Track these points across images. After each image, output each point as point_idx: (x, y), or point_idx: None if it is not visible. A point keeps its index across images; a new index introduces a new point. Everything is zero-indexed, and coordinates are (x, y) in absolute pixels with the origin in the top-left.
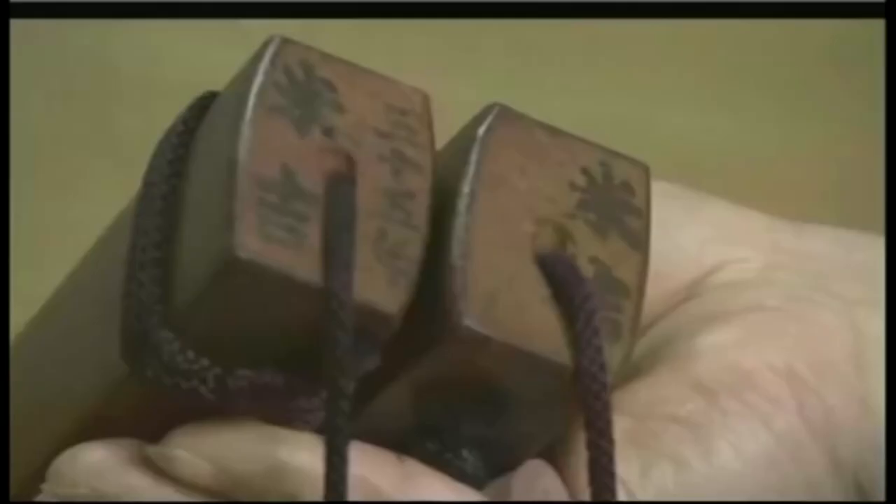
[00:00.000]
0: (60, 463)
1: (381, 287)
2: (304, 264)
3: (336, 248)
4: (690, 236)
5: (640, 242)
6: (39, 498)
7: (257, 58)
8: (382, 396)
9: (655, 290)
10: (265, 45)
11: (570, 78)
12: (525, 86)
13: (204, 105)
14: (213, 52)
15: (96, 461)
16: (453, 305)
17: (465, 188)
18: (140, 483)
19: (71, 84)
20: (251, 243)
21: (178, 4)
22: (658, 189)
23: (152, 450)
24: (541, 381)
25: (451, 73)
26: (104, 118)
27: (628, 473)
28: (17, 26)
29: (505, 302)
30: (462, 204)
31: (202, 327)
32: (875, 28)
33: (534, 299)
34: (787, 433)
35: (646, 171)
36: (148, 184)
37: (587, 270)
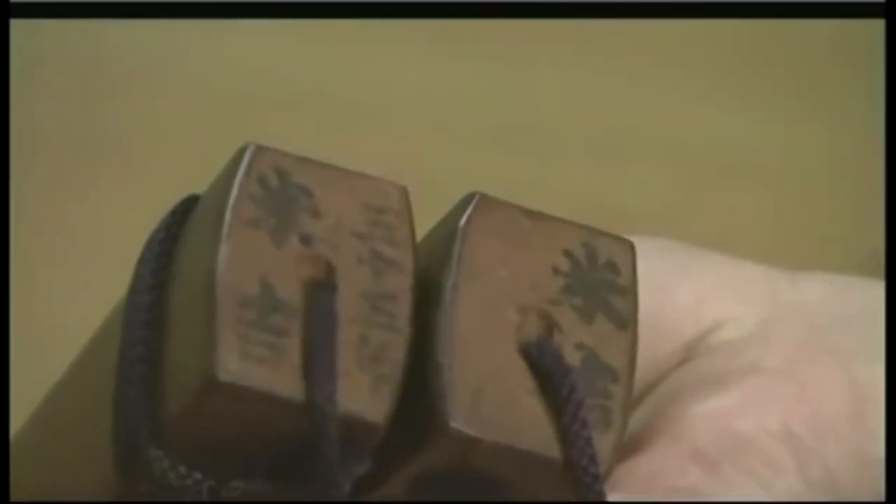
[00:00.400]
0: None
1: (364, 396)
2: (284, 380)
3: (317, 361)
4: (687, 295)
5: (626, 322)
6: None
7: (233, 168)
8: (378, 492)
9: (653, 353)
10: (239, 153)
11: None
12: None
13: (186, 209)
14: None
15: None
16: (440, 406)
17: (448, 282)
18: None
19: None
20: (231, 364)
21: (179, 4)
22: (654, 246)
23: None
24: (533, 473)
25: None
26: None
27: None
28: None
29: (491, 398)
30: (445, 298)
31: (191, 442)
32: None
33: (520, 392)
34: (789, 497)
35: (630, 248)
36: (133, 291)
37: (574, 357)
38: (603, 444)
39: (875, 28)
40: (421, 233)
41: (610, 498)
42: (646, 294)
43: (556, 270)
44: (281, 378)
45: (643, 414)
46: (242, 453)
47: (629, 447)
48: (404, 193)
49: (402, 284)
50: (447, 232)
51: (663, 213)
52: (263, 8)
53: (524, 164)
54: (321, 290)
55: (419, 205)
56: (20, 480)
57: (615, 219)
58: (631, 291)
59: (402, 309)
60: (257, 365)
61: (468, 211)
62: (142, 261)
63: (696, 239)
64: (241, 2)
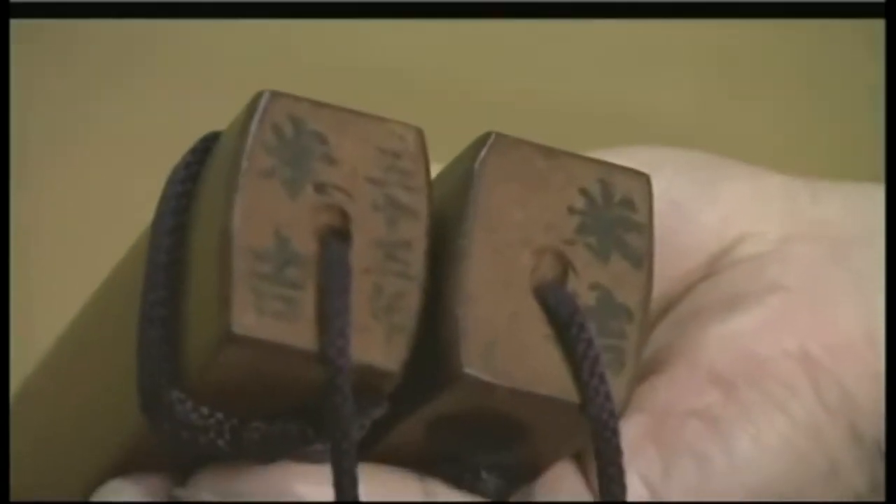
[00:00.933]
0: (103, 497)
1: (378, 346)
2: (299, 334)
3: (331, 315)
4: (711, 213)
5: (641, 260)
6: None
7: (248, 116)
8: (395, 433)
9: (674, 272)
10: (255, 101)
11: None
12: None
13: (206, 147)
14: None
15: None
16: (454, 354)
17: (462, 229)
18: None
19: None
20: (247, 319)
21: (179, 4)
22: (676, 159)
23: (180, 492)
24: (550, 415)
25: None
26: None
27: (651, 473)
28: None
29: (506, 345)
30: (459, 246)
31: (212, 388)
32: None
33: (535, 337)
34: (805, 418)
35: (647, 182)
36: (155, 232)
37: (588, 298)
38: (617, 384)
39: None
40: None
41: (629, 420)
42: (669, 210)
43: (571, 210)
44: (296, 331)
45: (664, 332)
46: (263, 399)
47: (649, 368)
48: (420, 136)
49: (417, 231)
50: (463, 172)
51: None
52: (264, 8)
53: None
54: (335, 240)
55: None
56: (34, 419)
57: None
58: (647, 228)
59: (417, 256)
60: (272, 319)
61: (483, 153)
62: (163, 199)
63: None
64: (241, 2)
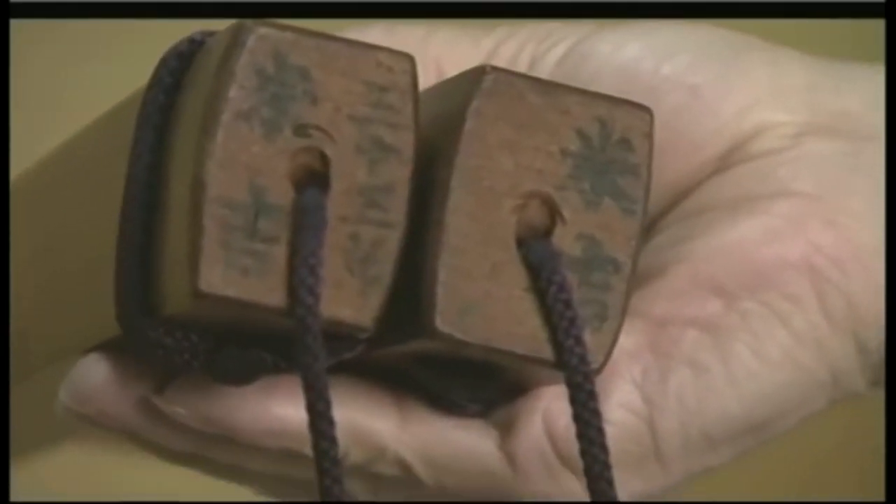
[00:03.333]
0: (77, 375)
1: (352, 301)
2: (268, 290)
3: (301, 271)
4: (728, 102)
5: (634, 206)
6: (56, 406)
7: (228, 51)
8: (371, 361)
9: (684, 164)
10: (237, 34)
11: None
12: None
13: (192, 51)
14: None
15: (105, 391)
16: (430, 309)
17: (447, 177)
18: (143, 423)
19: None
20: (214, 277)
21: (179, 4)
22: (696, 39)
23: (157, 400)
24: (527, 367)
25: None
26: None
27: (647, 382)
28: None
29: (483, 301)
30: (443, 197)
31: (184, 325)
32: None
33: (514, 290)
34: (807, 330)
35: (649, 117)
36: (135, 153)
37: (574, 248)
38: (598, 338)
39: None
40: None
41: (628, 327)
42: (685, 98)
43: (564, 152)
44: (264, 288)
45: (669, 234)
46: (237, 331)
47: (652, 273)
48: (410, 65)
49: (400, 174)
50: (454, 108)
51: None
52: (270, 8)
53: None
54: (312, 187)
55: None
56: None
57: None
58: (643, 168)
59: (399, 201)
60: (241, 275)
61: (477, 95)
62: (143, 113)
63: None
64: (241, 2)
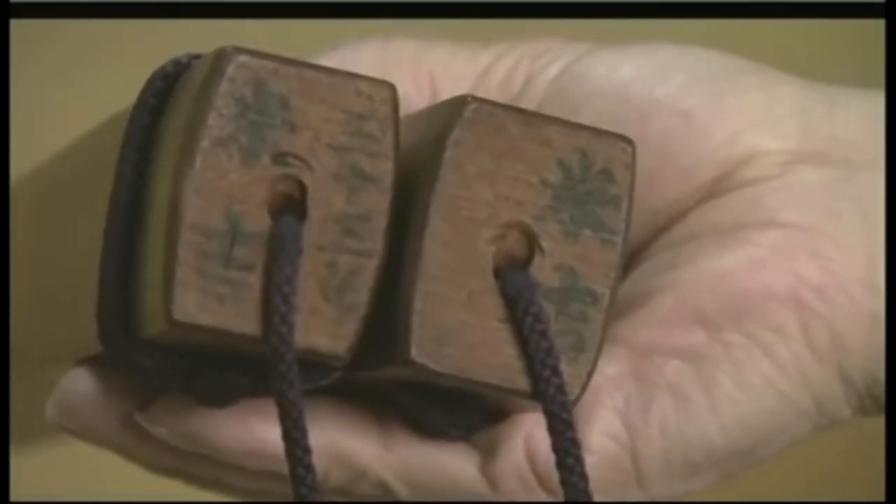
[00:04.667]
0: (62, 391)
1: (327, 329)
2: (243, 319)
3: (276, 300)
4: (719, 128)
5: (614, 237)
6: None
7: (209, 79)
8: (354, 383)
9: (674, 191)
10: (217, 61)
11: None
12: None
13: (177, 73)
14: None
15: (90, 407)
16: (405, 339)
17: (425, 206)
18: (127, 439)
19: None
20: (188, 304)
21: (180, 4)
22: (692, 66)
23: (141, 418)
24: (504, 396)
25: None
26: None
27: (629, 410)
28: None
29: (459, 330)
30: (420, 226)
31: (164, 347)
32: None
33: (490, 322)
34: (791, 361)
35: (631, 149)
36: (118, 172)
37: (552, 280)
38: (575, 369)
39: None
40: None
41: (611, 355)
42: (677, 122)
43: (544, 183)
44: (238, 317)
45: (656, 261)
46: (215, 354)
47: (636, 299)
48: (391, 93)
49: (378, 203)
50: (435, 136)
51: None
52: (264, 8)
53: None
54: (289, 216)
55: None
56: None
57: None
58: (624, 199)
59: (376, 230)
60: (216, 303)
61: (458, 125)
62: (131, 124)
63: None
64: (241, 2)
